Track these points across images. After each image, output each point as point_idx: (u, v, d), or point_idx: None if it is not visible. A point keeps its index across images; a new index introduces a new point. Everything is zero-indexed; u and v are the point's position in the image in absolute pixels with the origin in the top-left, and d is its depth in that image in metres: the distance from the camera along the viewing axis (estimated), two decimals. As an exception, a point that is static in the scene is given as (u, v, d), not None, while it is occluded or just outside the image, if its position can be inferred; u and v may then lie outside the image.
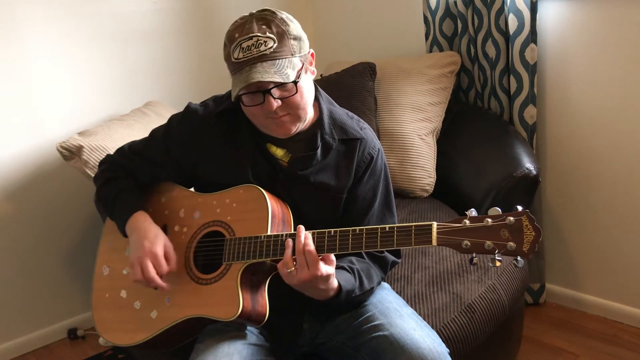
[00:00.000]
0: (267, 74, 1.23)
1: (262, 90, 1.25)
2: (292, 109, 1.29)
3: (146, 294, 1.40)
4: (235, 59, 1.25)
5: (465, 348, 1.53)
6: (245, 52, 1.24)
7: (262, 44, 1.24)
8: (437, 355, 1.25)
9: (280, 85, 1.25)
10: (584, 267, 2.31)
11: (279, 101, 1.26)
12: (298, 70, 1.27)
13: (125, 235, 1.42)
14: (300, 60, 1.29)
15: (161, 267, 1.32)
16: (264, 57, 1.24)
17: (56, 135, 2.27)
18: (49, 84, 2.30)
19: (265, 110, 1.27)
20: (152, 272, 1.32)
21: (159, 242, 1.34)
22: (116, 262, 1.48)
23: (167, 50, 2.61)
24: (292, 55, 1.27)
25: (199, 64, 2.72)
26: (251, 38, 1.24)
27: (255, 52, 1.24)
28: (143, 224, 1.39)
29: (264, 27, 1.26)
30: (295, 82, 1.26)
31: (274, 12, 1.28)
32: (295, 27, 1.29)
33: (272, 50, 1.24)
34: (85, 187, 2.12)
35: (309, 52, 1.33)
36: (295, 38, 1.28)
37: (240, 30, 1.26)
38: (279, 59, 1.25)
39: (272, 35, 1.25)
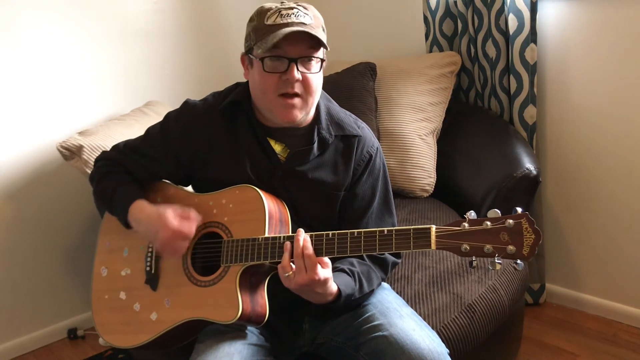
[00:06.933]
0: (311, 30, 1.25)
1: (290, 57, 1.26)
2: (306, 90, 1.30)
3: (145, 296, 1.39)
4: (273, 22, 1.27)
5: (465, 348, 1.53)
6: (284, 18, 1.27)
7: (302, 16, 1.28)
8: (437, 355, 1.25)
9: (306, 58, 1.27)
10: (584, 267, 2.31)
11: (300, 75, 1.27)
12: (323, 58, 1.32)
13: (128, 227, 1.40)
14: (323, 52, 1.32)
15: (188, 233, 1.31)
16: (303, 25, 1.26)
17: (56, 135, 2.28)
18: (49, 83, 2.30)
19: (282, 82, 1.28)
20: (181, 251, 1.33)
21: (169, 218, 1.30)
22: (114, 262, 1.48)
23: (167, 50, 2.61)
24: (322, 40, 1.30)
25: (199, 64, 2.72)
26: (292, 8, 1.28)
27: (295, 20, 1.27)
28: (144, 211, 1.36)
29: (301, 7, 1.30)
30: (322, 60, 1.31)
31: (307, 4, 1.33)
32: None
33: (310, 25, 1.28)
34: (85, 187, 2.11)
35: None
36: (324, 30, 1.33)
37: (276, 5, 1.29)
38: (315, 34, 1.27)
39: (310, 14, 1.29)
